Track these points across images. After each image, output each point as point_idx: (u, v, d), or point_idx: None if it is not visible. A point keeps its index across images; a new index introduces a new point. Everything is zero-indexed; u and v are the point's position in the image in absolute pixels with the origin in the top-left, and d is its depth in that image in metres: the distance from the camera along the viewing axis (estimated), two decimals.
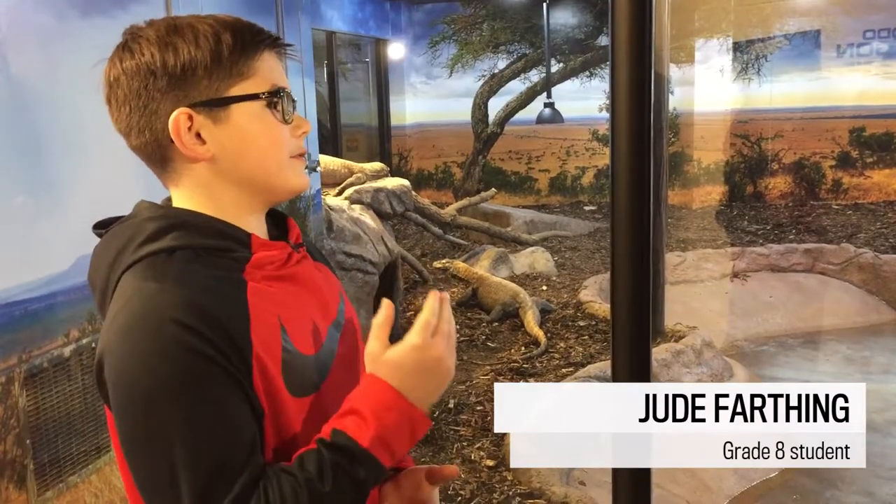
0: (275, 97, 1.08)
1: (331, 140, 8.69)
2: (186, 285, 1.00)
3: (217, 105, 1.06)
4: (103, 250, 1.10)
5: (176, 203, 1.11)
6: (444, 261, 6.56)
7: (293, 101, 1.13)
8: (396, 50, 10.15)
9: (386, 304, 1.07)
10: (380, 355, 1.04)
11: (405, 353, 1.04)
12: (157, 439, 0.95)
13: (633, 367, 1.39)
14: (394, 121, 10.41)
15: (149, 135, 1.06)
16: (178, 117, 1.04)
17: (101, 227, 1.13)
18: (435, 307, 1.06)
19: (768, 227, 8.91)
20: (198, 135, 1.06)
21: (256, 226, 1.13)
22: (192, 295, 0.99)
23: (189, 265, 1.03)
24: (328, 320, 1.17)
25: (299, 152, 1.14)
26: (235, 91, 1.06)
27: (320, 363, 1.11)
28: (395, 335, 1.04)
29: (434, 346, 1.04)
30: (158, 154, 1.08)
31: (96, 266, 1.10)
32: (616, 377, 1.40)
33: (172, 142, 1.05)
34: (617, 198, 1.33)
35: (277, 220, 1.21)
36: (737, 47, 9.60)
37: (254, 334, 1.01)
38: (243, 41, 1.07)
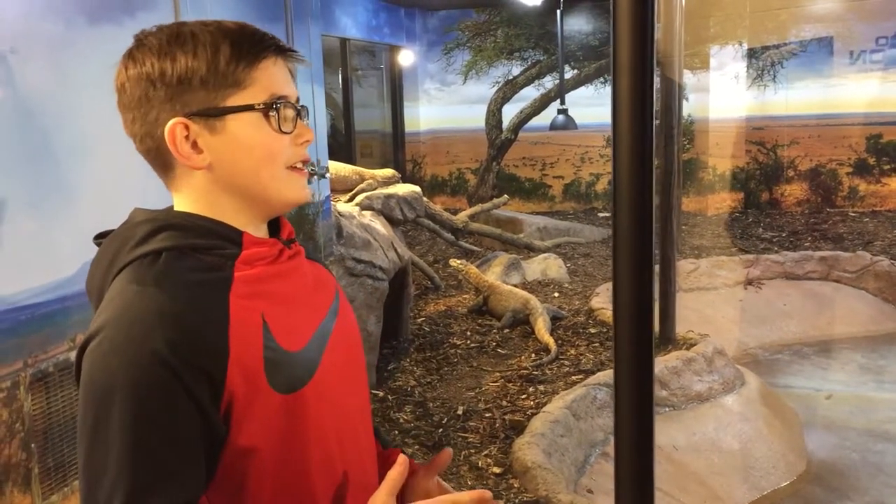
0: (271, 107, 1.08)
1: (345, 146, 8.72)
2: (166, 290, 1.01)
3: (213, 115, 1.07)
4: (99, 258, 1.12)
5: (177, 208, 1.12)
6: (460, 262, 6.52)
7: (297, 108, 1.12)
8: (410, 56, 10.16)
9: (402, 460, 1.11)
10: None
11: None
12: (98, 436, 0.97)
13: (636, 376, 1.38)
14: (408, 127, 10.43)
15: (150, 142, 1.09)
16: (173, 126, 1.06)
17: (101, 237, 1.15)
18: None
19: (783, 235, 8.85)
20: (195, 143, 1.08)
21: (255, 233, 1.13)
22: (169, 301, 1.00)
23: (173, 267, 1.04)
24: (320, 315, 1.17)
25: (299, 161, 1.13)
26: (232, 101, 1.07)
27: (308, 359, 1.11)
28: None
29: None
30: (160, 160, 1.10)
31: (93, 274, 1.12)
32: (618, 387, 1.39)
33: None
34: (619, 208, 1.32)
35: (272, 220, 1.21)
36: (752, 54, 9.56)
37: (232, 337, 1.02)
38: (241, 51, 1.07)
